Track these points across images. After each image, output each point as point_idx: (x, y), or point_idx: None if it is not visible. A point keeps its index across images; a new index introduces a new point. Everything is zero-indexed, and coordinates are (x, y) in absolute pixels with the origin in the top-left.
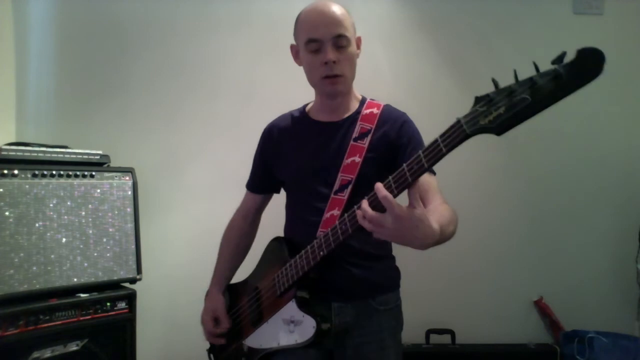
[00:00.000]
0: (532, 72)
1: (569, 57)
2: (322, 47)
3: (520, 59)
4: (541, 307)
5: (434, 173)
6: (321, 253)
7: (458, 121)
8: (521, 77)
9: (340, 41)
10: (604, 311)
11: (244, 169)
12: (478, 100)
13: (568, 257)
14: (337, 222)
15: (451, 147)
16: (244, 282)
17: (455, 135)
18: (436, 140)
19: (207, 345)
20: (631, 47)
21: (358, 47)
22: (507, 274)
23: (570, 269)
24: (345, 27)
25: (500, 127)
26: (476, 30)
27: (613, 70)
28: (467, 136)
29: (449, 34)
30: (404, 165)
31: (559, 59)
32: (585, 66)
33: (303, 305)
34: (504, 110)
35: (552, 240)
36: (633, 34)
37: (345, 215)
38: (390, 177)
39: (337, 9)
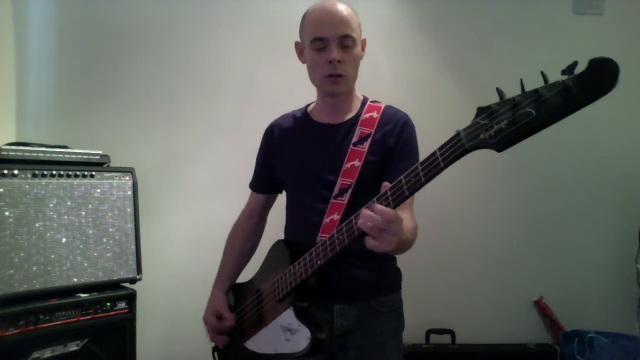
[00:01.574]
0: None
1: (580, 66)
2: (328, 46)
3: (521, 59)
4: (541, 307)
5: None
6: (319, 262)
7: (457, 134)
8: (527, 87)
9: (346, 41)
10: (604, 311)
11: (244, 169)
12: (480, 111)
13: (568, 257)
14: (334, 231)
15: (449, 161)
16: (249, 283)
17: (454, 149)
18: (434, 153)
19: (210, 345)
20: (631, 47)
21: (362, 49)
22: (507, 274)
23: (570, 269)
24: (351, 28)
25: (500, 143)
26: (476, 30)
27: None
28: (466, 151)
29: (449, 34)
30: (402, 177)
31: (569, 69)
32: (597, 78)
33: (301, 314)
34: (505, 124)
35: (552, 240)
36: (633, 34)
37: (343, 225)
38: (388, 190)
39: (344, 9)
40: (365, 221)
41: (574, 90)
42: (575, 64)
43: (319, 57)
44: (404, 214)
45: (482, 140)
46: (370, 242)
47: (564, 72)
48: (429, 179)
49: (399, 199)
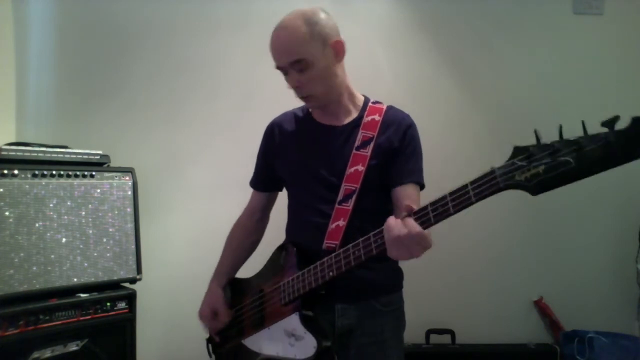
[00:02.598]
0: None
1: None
2: (287, 73)
3: (521, 59)
4: (541, 307)
5: (421, 186)
6: (330, 273)
7: (492, 172)
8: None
9: (298, 66)
10: (604, 311)
11: (244, 169)
12: (517, 151)
13: (568, 257)
14: (350, 246)
15: (481, 197)
16: (249, 281)
17: (487, 186)
18: (466, 186)
19: (205, 338)
20: (631, 47)
21: (339, 52)
22: (507, 274)
23: (570, 269)
24: (299, 51)
25: (536, 188)
26: (476, 30)
27: (613, 70)
28: (500, 189)
29: (449, 34)
30: (428, 205)
31: (610, 123)
32: (639, 137)
33: (307, 321)
34: (543, 170)
35: (552, 240)
36: (633, 34)
37: (360, 240)
38: (412, 215)
39: (290, 32)
40: (394, 231)
41: (615, 146)
42: (616, 118)
43: (286, 82)
44: None
45: (518, 181)
46: (392, 253)
47: (604, 125)
48: (457, 210)
49: (423, 225)
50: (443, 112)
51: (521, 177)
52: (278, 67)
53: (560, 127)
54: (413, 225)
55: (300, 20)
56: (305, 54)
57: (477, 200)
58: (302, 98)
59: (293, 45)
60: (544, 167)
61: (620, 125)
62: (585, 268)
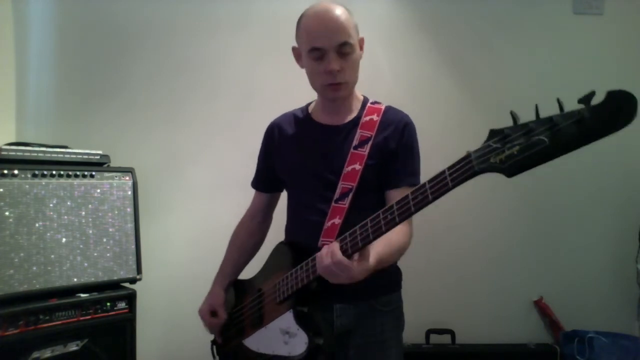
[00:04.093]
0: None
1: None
2: (326, 56)
3: (521, 59)
4: (541, 307)
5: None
6: None
7: (468, 155)
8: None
9: (344, 49)
10: (604, 311)
11: (244, 169)
12: (492, 134)
13: (568, 257)
14: (338, 240)
15: (458, 182)
16: (250, 281)
17: (463, 171)
18: (443, 172)
19: (209, 339)
20: (631, 47)
21: (361, 47)
22: (507, 274)
23: (570, 269)
24: (349, 34)
25: (511, 169)
26: (476, 30)
27: (613, 70)
28: (475, 173)
29: (449, 34)
30: (409, 194)
31: (585, 99)
32: (614, 111)
33: (300, 318)
34: (517, 150)
35: (552, 240)
36: (633, 34)
37: (347, 234)
38: (394, 204)
39: (341, 14)
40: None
41: (590, 121)
42: (592, 94)
43: (318, 67)
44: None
45: (492, 164)
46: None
47: (580, 101)
48: (436, 197)
49: (404, 214)
50: (443, 112)
51: (496, 159)
52: (316, 48)
53: (537, 107)
54: (335, 254)
55: (343, 7)
56: (352, 39)
57: (454, 186)
58: (334, 85)
59: (346, 26)
60: (518, 147)
61: (597, 101)
62: (585, 268)
